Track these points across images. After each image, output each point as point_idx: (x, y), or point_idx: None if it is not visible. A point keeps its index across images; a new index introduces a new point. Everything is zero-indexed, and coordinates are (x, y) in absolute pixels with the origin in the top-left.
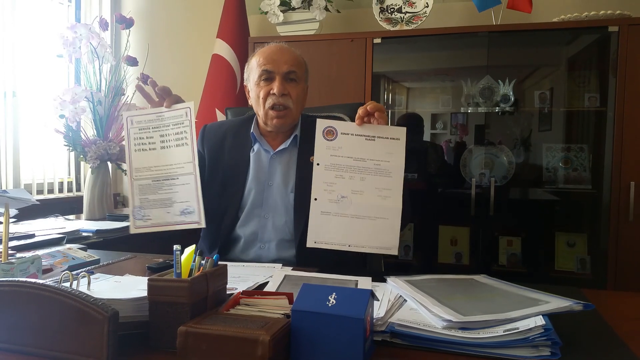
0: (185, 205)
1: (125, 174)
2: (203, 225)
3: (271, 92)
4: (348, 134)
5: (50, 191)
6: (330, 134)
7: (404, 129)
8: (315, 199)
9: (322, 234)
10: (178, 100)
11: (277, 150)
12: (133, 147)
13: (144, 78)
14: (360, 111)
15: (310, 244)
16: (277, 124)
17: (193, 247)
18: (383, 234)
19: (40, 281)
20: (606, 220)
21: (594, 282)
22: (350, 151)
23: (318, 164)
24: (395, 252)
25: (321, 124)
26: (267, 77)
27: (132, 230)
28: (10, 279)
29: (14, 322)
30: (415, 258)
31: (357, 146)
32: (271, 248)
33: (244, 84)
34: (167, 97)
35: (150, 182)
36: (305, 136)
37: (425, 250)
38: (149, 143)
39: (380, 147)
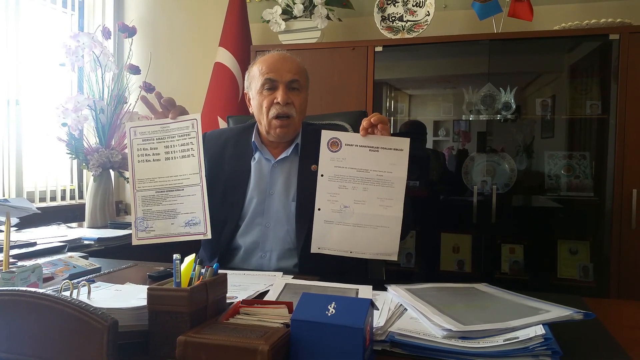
0: (191, 216)
1: (128, 182)
2: (209, 236)
3: (275, 101)
4: (352, 145)
5: (53, 199)
6: (334, 145)
7: (408, 140)
8: (319, 209)
9: (325, 241)
10: (183, 111)
11: (278, 159)
12: (136, 158)
13: (146, 86)
14: (364, 123)
15: (314, 249)
16: (280, 134)
17: (193, 256)
18: (383, 241)
19: (40, 290)
20: (608, 227)
21: (596, 290)
22: (353, 162)
23: (322, 175)
24: (395, 258)
25: (326, 135)
26: (270, 85)
27: (135, 242)
28: (10, 288)
29: (14, 332)
30: (417, 265)
31: (360, 157)
32: (272, 257)
33: (245, 92)
34: (172, 109)
35: (154, 193)
36: (306, 145)
37: (427, 258)
38: (153, 154)
39: (383, 158)
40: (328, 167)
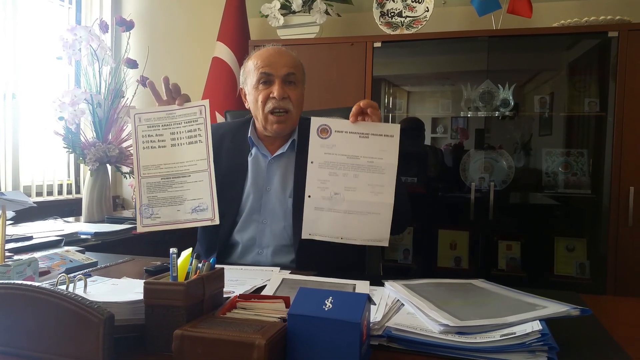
0: (198, 202)
1: (125, 177)
2: (217, 222)
3: (271, 95)
4: (342, 132)
5: (50, 193)
6: (324, 132)
7: (398, 126)
8: (309, 196)
9: (315, 227)
10: (187, 99)
11: (275, 155)
12: (141, 144)
13: (144, 80)
14: (354, 109)
15: (305, 236)
16: (277, 129)
17: (190, 250)
18: (374, 228)
19: (36, 284)
20: (605, 225)
21: (593, 287)
22: (344, 149)
23: (312, 162)
24: (386, 244)
25: (315, 122)
26: (265, 80)
27: (140, 229)
28: (6, 281)
29: (10, 325)
30: (414, 262)
31: (350, 144)
32: (269, 254)
33: (240, 87)
34: (178, 96)
35: (160, 180)
36: (303, 140)
37: (424, 254)
38: (158, 141)
39: (373, 145)
40: (318, 154)
